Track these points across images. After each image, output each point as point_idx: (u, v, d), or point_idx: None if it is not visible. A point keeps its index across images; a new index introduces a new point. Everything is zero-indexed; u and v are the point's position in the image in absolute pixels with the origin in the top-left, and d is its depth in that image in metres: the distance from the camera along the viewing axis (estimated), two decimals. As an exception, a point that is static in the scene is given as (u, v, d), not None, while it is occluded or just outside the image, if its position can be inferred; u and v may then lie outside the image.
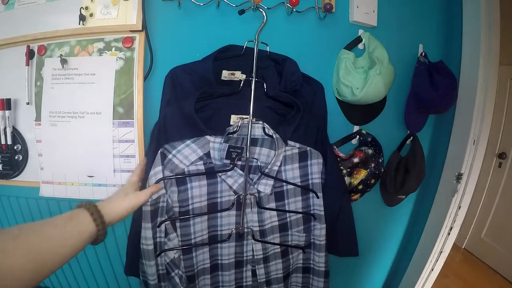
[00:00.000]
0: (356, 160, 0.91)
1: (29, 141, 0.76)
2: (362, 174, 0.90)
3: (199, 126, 0.67)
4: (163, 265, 0.70)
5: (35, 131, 0.74)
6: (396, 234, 1.24)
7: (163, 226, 0.69)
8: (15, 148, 0.76)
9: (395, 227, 1.22)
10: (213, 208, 0.72)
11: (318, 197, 0.77)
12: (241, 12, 0.69)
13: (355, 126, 0.96)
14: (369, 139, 0.95)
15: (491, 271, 2.13)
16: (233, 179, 0.71)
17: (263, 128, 0.69)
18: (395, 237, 1.25)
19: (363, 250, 0.88)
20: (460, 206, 1.09)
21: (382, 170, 0.95)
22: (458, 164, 1.06)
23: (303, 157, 0.76)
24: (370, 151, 0.92)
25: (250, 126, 0.68)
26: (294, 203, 0.77)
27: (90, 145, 0.73)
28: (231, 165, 0.69)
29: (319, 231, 0.78)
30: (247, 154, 0.69)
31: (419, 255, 1.20)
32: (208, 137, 0.69)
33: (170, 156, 0.67)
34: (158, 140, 0.69)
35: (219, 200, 0.72)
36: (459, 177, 1.06)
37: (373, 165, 0.91)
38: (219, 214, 0.73)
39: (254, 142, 0.71)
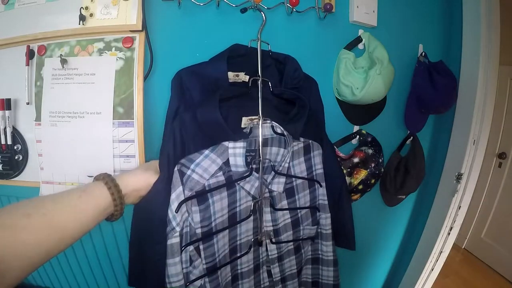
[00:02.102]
0: (356, 160, 0.91)
1: (29, 141, 0.76)
2: (362, 174, 0.90)
3: (224, 131, 0.62)
4: None
5: (35, 131, 0.74)
6: (396, 234, 1.24)
7: (187, 254, 0.63)
8: (15, 148, 0.76)
9: (395, 227, 1.22)
10: (233, 219, 0.68)
11: (321, 186, 0.78)
12: (243, 10, 0.69)
13: (355, 126, 0.96)
14: (369, 139, 0.95)
15: (491, 271, 2.13)
16: (250, 184, 0.68)
17: (272, 127, 0.68)
18: (395, 237, 1.25)
19: (363, 250, 0.88)
20: (460, 206, 1.09)
21: (382, 170, 0.95)
22: (458, 164, 1.06)
23: (307, 150, 0.76)
24: (370, 151, 0.92)
25: (261, 127, 0.66)
26: (303, 197, 0.77)
27: (90, 145, 0.73)
28: (250, 170, 0.66)
29: (325, 220, 0.79)
30: (260, 155, 0.66)
31: (419, 255, 1.20)
32: (225, 143, 0.64)
33: (188, 172, 0.61)
34: (175, 156, 0.62)
35: (238, 209, 0.69)
36: (459, 177, 1.06)
37: (373, 165, 0.91)
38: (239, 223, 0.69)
39: (264, 142, 0.69)
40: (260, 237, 0.72)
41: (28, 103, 0.73)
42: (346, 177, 0.90)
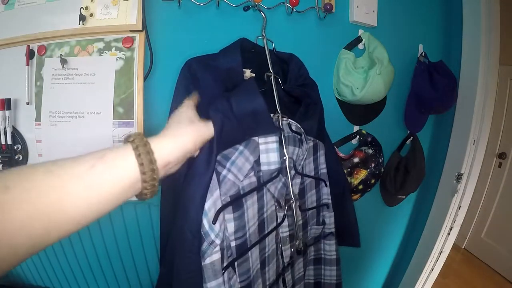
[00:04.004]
0: (356, 160, 0.91)
1: (29, 141, 0.76)
2: (362, 174, 0.90)
3: (267, 123, 0.54)
4: None
5: (35, 131, 0.74)
6: (396, 234, 1.24)
7: (226, 274, 0.52)
8: (15, 148, 0.76)
9: (395, 227, 1.22)
10: (262, 227, 0.60)
11: (326, 185, 0.77)
12: (246, 8, 0.70)
13: (355, 126, 0.96)
14: (369, 139, 0.95)
15: (491, 271, 2.13)
16: (274, 186, 0.61)
17: (289, 125, 0.65)
18: (395, 237, 1.25)
19: (363, 250, 0.88)
20: (460, 206, 1.09)
21: (382, 170, 0.95)
22: (458, 164, 1.06)
23: (315, 149, 0.75)
24: (370, 151, 0.92)
25: (281, 124, 0.61)
26: (311, 197, 0.75)
27: (90, 145, 0.73)
28: (276, 171, 0.59)
29: (328, 219, 0.78)
30: (286, 154, 0.60)
31: (419, 255, 1.20)
32: (256, 139, 0.56)
33: (224, 171, 0.51)
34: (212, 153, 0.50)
35: (265, 215, 0.61)
36: (459, 177, 1.06)
37: (373, 165, 0.91)
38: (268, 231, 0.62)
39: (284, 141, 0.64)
40: (299, 244, 0.66)
41: (28, 103, 0.73)
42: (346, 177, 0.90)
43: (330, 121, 0.85)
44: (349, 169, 0.91)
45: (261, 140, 0.56)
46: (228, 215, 0.52)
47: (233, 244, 0.53)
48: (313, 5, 0.80)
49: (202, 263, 0.49)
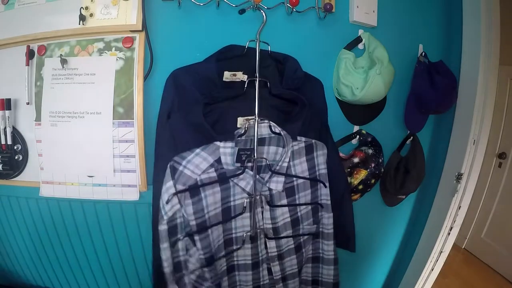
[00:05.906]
0: (356, 160, 0.91)
1: (29, 141, 0.76)
2: (362, 174, 0.90)
3: (209, 133, 0.67)
4: (191, 284, 0.70)
5: (35, 131, 0.74)
6: (396, 234, 1.24)
7: (183, 243, 0.68)
8: (15, 148, 0.76)
9: (395, 227, 1.22)
10: (227, 213, 0.72)
11: (326, 187, 0.79)
12: (242, 11, 0.69)
13: (355, 126, 0.96)
14: (369, 139, 0.95)
15: (491, 271, 2.13)
16: (245, 181, 0.70)
17: (270, 127, 0.70)
18: (395, 237, 1.25)
19: (363, 250, 0.88)
20: (460, 206, 1.09)
21: (382, 170, 0.95)
22: (458, 164, 1.06)
23: (309, 150, 0.77)
24: (370, 151, 0.92)
25: (256, 126, 0.67)
26: (304, 196, 0.78)
27: (90, 145, 0.73)
28: (242, 168, 0.69)
29: (327, 219, 0.80)
30: (255, 155, 0.68)
31: (419, 255, 1.20)
32: (217, 143, 0.68)
33: (181, 168, 0.66)
34: (166, 154, 0.68)
35: (232, 203, 0.72)
36: (459, 177, 1.05)
37: (373, 165, 0.91)
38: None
39: (262, 141, 0.71)
40: (252, 233, 0.74)
41: (28, 103, 0.73)
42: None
43: (330, 121, 0.85)
44: (349, 169, 0.91)
45: (221, 144, 0.68)
46: (187, 200, 0.67)
47: (192, 223, 0.68)
48: (313, 5, 0.80)
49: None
